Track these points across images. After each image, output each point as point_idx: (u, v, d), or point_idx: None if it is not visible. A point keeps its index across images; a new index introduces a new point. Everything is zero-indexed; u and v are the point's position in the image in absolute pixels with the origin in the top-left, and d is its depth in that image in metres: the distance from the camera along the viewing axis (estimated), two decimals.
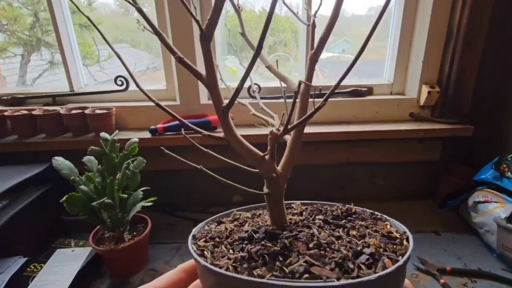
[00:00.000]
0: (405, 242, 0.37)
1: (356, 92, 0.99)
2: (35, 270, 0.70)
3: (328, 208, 0.46)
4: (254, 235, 0.37)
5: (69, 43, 0.97)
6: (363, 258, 0.33)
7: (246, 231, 0.38)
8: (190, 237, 0.38)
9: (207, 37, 0.31)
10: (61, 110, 0.90)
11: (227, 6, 1.05)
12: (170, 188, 1.02)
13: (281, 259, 0.33)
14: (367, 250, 0.34)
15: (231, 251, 0.35)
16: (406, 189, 1.06)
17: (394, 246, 0.36)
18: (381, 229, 0.40)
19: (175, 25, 0.87)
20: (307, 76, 0.42)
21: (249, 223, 0.42)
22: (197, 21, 0.28)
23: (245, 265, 0.32)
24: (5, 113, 0.89)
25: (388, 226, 0.41)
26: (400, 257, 0.33)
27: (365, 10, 1.10)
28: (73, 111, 0.89)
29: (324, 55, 1.14)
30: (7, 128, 0.92)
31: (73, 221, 0.84)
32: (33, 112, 0.89)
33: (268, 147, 0.39)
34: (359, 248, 0.34)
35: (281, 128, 0.39)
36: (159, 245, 0.84)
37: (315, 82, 1.06)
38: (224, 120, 0.35)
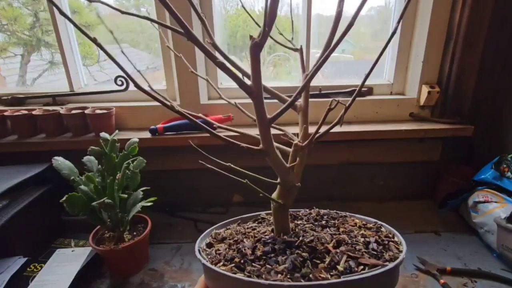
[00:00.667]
0: (382, 229, 0.44)
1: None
2: (35, 270, 0.70)
3: (299, 213, 0.50)
4: (275, 246, 0.38)
5: (69, 43, 0.97)
6: (374, 245, 0.38)
7: (264, 245, 0.39)
8: (212, 265, 0.37)
9: (260, 46, 0.31)
10: (61, 110, 0.90)
11: (227, 6, 1.05)
12: (170, 188, 1.02)
13: (318, 261, 0.35)
14: (370, 240, 0.39)
15: (269, 266, 0.35)
16: (406, 189, 1.06)
17: (379, 233, 0.42)
18: (356, 223, 0.45)
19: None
20: (305, 93, 0.44)
21: (247, 238, 0.43)
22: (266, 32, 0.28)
23: (297, 275, 0.33)
24: (5, 113, 0.89)
25: (357, 220, 0.47)
26: (393, 238, 0.41)
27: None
28: (73, 111, 0.89)
29: None
30: (7, 128, 0.92)
31: (73, 221, 0.84)
32: (33, 112, 0.89)
33: (291, 158, 0.40)
34: (362, 240, 0.39)
35: (299, 138, 0.41)
36: (159, 245, 0.84)
37: (315, 82, 1.06)
38: (266, 132, 0.36)
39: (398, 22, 0.31)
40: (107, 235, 0.74)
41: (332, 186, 1.05)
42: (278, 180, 0.40)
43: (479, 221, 0.82)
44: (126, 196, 0.70)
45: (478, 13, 0.84)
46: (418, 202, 1.03)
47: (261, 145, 0.37)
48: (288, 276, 0.33)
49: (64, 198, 0.62)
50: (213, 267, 0.36)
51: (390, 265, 0.34)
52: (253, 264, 0.36)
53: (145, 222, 0.79)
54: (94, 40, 0.27)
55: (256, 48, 0.31)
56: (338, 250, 0.37)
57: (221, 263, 0.37)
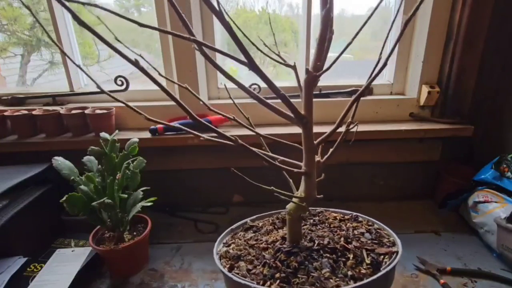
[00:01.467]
0: (360, 219, 0.50)
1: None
2: (35, 270, 0.70)
3: (280, 215, 0.56)
4: (303, 254, 0.43)
5: (69, 43, 0.97)
6: (368, 235, 0.44)
7: (290, 255, 0.43)
8: (262, 286, 0.40)
9: (317, 79, 0.33)
10: (61, 110, 0.90)
11: (227, 6, 1.05)
12: (170, 188, 1.01)
13: (344, 259, 0.41)
14: (362, 230, 0.45)
15: (313, 274, 0.40)
16: (406, 189, 1.06)
17: (361, 223, 0.49)
18: (336, 217, 0.51)
19: (176, 26, 0.87)
20: (309, 107, 0.46)
21: (262, 250, 0.46)
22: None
23: (341, 275, 0.39)
24: (5, 113, 0.89)
25: (334, 214, 0.53)
26: (374, 226, 0.47)
27: (365, 10, 1.09)
28: (73, 111, 0.89)
29: None
30: (7, 128, 0.92)
31: (73, 221, 0.84)
32: (33, 112, 0.89)
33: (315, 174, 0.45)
34: (357, 232, 0.45)
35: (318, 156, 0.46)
36: (159, 245, 0.84)
37: None
38: (312, 156, 0.40)
39: (397, 42, 0.33)
40: (107, 235, 0.74)
41: (332, 186, 1.05)
42: (303, 194, 0.44)
43: (479, 221, 0.82)
44: (126, 196, 0.70)
45: (478, 13, 0.84)
46: (418, 202, 1.03)
47: (304, 168, 0.41)
48: (337, 279, 0.38)
49: (64, 198, 0.62)
50: None
51: (399, 249, 0.41)
52: (297, 275, 0.39)
53: (145, 222, 0.79)
54: (136, 63, 0.27)
55: (312, 81, 0.34)
56: (352, 246, 0.42)
57: (268, 282, 0.40)
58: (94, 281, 0.72)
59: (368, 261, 0.40)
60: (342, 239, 0.45)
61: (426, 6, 0.89)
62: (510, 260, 0.73)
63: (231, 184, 1.01)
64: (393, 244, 0.44)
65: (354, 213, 0.51)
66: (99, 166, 0.71)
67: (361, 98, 0.98)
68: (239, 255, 0.46)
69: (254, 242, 0.48)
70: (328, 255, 0.42)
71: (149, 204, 0.70)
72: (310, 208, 0.55)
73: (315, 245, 0.44)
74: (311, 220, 0.52)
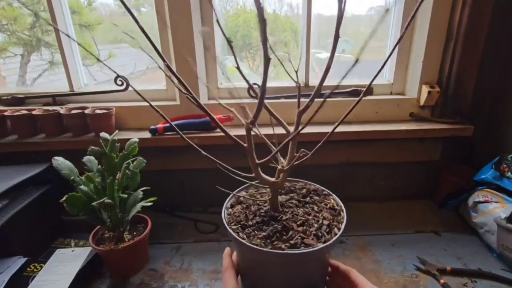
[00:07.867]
0: (341, 213, 0.58)
1: (356, 92, 0.99)
2: (35, 270, 0.70)
3: (296, 186, 0.66)
4: (264, 219, 0.55)
5: (69, 43, 0.97)
6: (324, 228, 0.52)
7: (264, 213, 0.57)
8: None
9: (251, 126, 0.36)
10: (61, 110, 0.90)
11: (227, 6, 1.05)
12: (170, 188, 1.01)
13: (284, 233, 0.51)
14: (325, 222, 0.53)
15: (257, 232, 0.53)
16: (406, 189, 1.06)
17: (338, 218, 0.56)
18: (328, 203, 0.60)
19: (175, 25, 0.87)
20: (296, 126, 0.52)
21: (256, 205, 0.62)
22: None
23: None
24: (5, 113, 0.89)
25: (332, 201, 0.62)
26: (340, 225, 0.54)
27: (365, 10, 1.09)
28: (73, 111, 0.89)
29: (324, 55, 1.14)
30: (7, 128, 0.92)
31: (73, 221, 0.84)
32: (33, 112, 0.89)
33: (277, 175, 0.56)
34: (320, 222, 0.53)
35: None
36: (159, 245, 0.84)
37: (315, 81, 1.06)
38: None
39: (395, 46, 0.32)
40: (107, 235, 0.74)
41: (332, 186, 1.05)
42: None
43: (479, 221, 0.82)
44: (126, 196, 0.70)
45: (478, 13, 0.84)
46: (418, 202, 1.03)
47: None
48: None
49: (64, 198, 0.62)
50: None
51: (318, 246, 0.47)
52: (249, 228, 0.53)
53: (145, 222, 0.79)
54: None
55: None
56: (299, 229, 0.51)
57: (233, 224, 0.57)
58: (94, 281, 0.72)
59: (293, 242, 0.52)
60: (300, 221, 0.56)
61: (426, 6, 0.89)
62: (510, 260, 0.73)
63: (231, 184, 1.01)
64: (328, 239, 0.53)
65: (343, 208, 0.60)
66: (99, 166, 0.71)
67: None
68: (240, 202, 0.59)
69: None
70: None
71: (149, 204, 0.70)
72: (321, 187, 0.67)
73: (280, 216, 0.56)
74: (308, 198, 0.62)
